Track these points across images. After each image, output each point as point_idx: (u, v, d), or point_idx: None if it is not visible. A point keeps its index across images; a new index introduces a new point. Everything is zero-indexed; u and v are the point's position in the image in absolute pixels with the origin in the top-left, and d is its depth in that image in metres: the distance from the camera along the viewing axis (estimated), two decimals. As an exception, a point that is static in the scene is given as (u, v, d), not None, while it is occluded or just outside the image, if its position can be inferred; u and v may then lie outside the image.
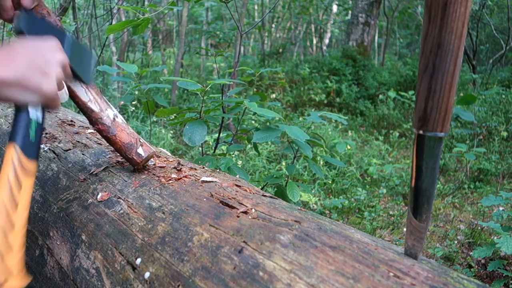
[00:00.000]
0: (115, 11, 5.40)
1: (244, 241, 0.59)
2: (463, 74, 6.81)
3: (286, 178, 1.53)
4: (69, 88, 0.83)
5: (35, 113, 0.65)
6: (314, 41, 11.67)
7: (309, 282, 0.49)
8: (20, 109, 0.64)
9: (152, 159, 0.93)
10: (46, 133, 1.20)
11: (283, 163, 4.02)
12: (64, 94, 0.75)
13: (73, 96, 0.84)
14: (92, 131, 1.22)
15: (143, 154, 0.87)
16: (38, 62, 0.63)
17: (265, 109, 1.31)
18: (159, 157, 0.96)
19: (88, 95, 0.86)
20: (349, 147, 4.24)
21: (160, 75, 7.35)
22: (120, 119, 0.90)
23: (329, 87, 6.95)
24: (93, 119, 0.86)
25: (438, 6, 0.41)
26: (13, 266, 0.55)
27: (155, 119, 5.24)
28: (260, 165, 3.86)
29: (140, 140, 0.90)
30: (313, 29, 11.53)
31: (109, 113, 0.87)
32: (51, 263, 0.82)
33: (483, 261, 2.36)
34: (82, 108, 0.85)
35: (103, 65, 1.61)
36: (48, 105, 0.67)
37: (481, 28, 8.11)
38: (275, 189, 1.58)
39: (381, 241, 0.59)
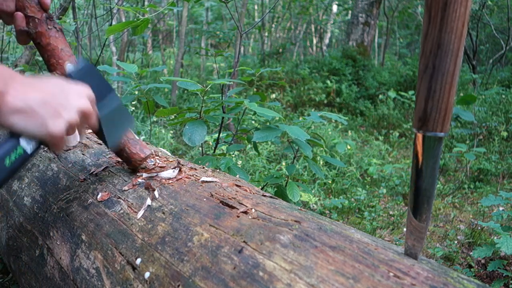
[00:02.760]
0: (115, 11, 5.40)
1: (244, 241, 0.59)
2: (463, 74, 6.81)
3: (286, 178, 1.53)
4: None
5: (26, 144, 0.62)
6: (314, 41, 11.67)
7: (309, 282, 0.49)
8: (12, 135, 0.61)
9: (152, 159, 0.93)
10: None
11: (283, 163, 4.02)
12: (72, 140, 0.72)
13: None
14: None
15: (145, 151, 0.88)
16: (55, 100, 0.61)
17: (265, 108, 1.31)
18: (159, 157, 0.96)
19: None
20: (349, 147, 4.24)
21: (160, 75, 7.35)
22: None
23: (329, 87, 6.95)
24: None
25: (438, 6, 0.41)
26: None
27: (155, 119, 5.24)
28: (260, 165, 3.86)
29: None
30: (313, 29, 11.53)
31: None
32: (51, 263, 0.82)
33: (483, 261, 2.35)
34: None
35: (103, 65, 1.61)
36: (50, 145, 0.64)
37: (481, 28, 8.11)
38: (275, 189, 1.58)
39: (381, 241, 0.59)
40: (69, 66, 0.73)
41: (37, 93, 0.60)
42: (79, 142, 0.82)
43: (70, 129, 0.65)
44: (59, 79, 0.66)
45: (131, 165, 0.88)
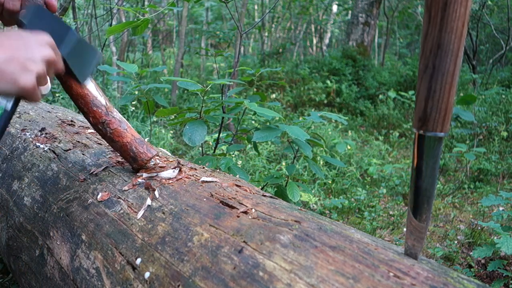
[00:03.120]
0: (115, 11, 5.40)
1: (244, 241, 0.59)
2: (463, 74, 6.81)
3: (286, 178, 1.53)
4: (73, 82, 0.82)
5: (4, 102, 0.65)
6: (314, 41, 11.67)
7: (309, 282, 0.49)
8: None
9: (152, 159, 0.93)
10: (46, 133, 1.20)
11: (283, 163, 4.02)
12: (46, 88, 0.74)
13: (82, 93, 0.84)
14: (92, 131, 1.22)
15: (152, 151, 0.88)
16: (19, 55, 0.63)
17: (265, 108, 1.31)
18: (159, 157, 0.96)
19: (98, 91, 0.86)
20: (349, 147, 4.24)
21: (160, 75, 7.36)
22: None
23: (329, 87, 6.95)
24: (103, 113, 0.85)
25: (438, 6, 0.41)
26: None
27: (155, 119, 5.24)
28: (260, 165, 3.86)
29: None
30: (313, 29, 11.53)
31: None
32: (51, 263, 0.82)
33: (483, 261, 2.35)
34: (89, 102, 0.85)
35: (103, 65, 1.61)
36: (25, 97, 0.66)
37: (481, 28, 8.11)
38: (275, 189, 1.58)
39: (381, 241, 0.59)
40: (20, 14, 0.73)
41: (1, 51, 0.61)
42: (50, 91, 0.83)
43: (40, 80, 0.67)
44: (17, 32, 0.67)
45: (137, 164, 0.88)
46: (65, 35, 0.76)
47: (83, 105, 0.84)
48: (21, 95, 0.65)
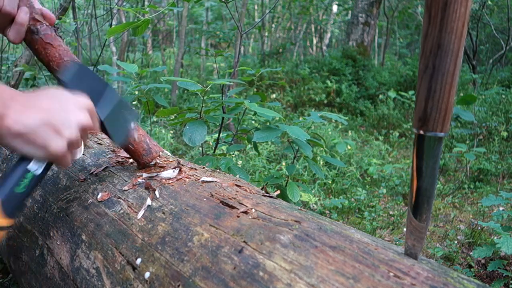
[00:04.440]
0: (115, 11, 5.40)
1: (244, 241, 0.59)
2: (463, 74, 6.81)
3: (286, 178, 1.53)
4: None
5: (36, 165, 0.63)
6: (314, 41, 11.67)
7: (309, 282, 0.49)
8: (23, 159, 0.62)
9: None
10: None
11: (283, 163, 4.02)
12: (78, 152, 0.72)
13: None
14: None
15: (157, 150, 0.89)
16: (54, 119, 0.60)
17: (265, 109, 1.31)
18: (160, 157, 0.96)
19: None
20: (349, 147, 4.24)
21: (160, 75, 7.36)
22: None
23: (329, 87, 6.95)
24: None
25: (438, 6, 0.41)
26: None
27: (155, 119, 5.24)
28: (260, 165, 3.86)
29: None
30: (313, 29, 11.53)
31: None
32: (51, 263, 0.83)
33: (483, 261, 2.36)
34: None
35: (103, 65, 1.61)
36: (55, 162, 0.64)
37: (481, 28, 8.11)
38: (275, 189, 1.57)
39: (381, 241, 0.59)
40: (62, 72, 0.72)
41: (37, 113, 0.59)
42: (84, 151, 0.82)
43: (72, 145, 0.64)
44: (57, 92, 0.65)
45: (149, 158, 0.88)
46: (104, 94, 0.75)
47: None
48: (50, 160, 0.63)
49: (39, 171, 0.63)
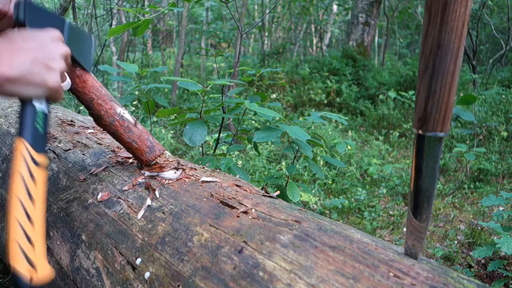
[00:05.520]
0: (115, 11, 5.40)
1: (244, 241, 0.59)
2: (463, 74, 6.81)
3: (286, 178, 1.53)
4: (85, 79, 0.82)
5: (40, 105, 0.65)
6: (314, 41, 11.67)
7: (309, 282, 0.49)
8: (25, 103, 0.64)
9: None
10: (47, 134, 1.20)
11: (283, 163, 4.02)
12: (66, 84, 0.75)
13: (93, 85, 0.84)
14: (92, 131, 1.22)
15: (160, 147, 0.90)
16: (41, 56, 0.63)
17: (265, 109, 1.31)
18: (160, 157, 0.96)
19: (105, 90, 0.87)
20: (349, 147, 4.24)
21: (160, 75, 7.36)
22: None
23: (329, 87, 6.95)
24: (118, 103, 0.86)
25: (438, 6, 0.41)
26: (36, 262, 0.55)
27: (155, 119, 5.24)
28: (260, 165, 3.86)
29: None
30: (313, 29, 11.53)
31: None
32: (51, 263, 0.82)
33: (483, 261, 2.35)
34: (104, 95, 0.85)
35: (103, 64, 1.61)
36: (51, 97, 0.67)
37: (481, 28, 8.11)
38: (275, 189, 1.57)
39: (381, 241, 0.59)
40: (15, 13, 0.72)
41: (25, 55, 0.61)
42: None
43: (62, 76, 0.68)
44: (29, 32, 0.67)
45: (150, 156, 0.88)
46: (63, 26, 0.76)
47: (97, 96, 0.84)
48: (48, 96, 0.66)
49: (45, 109, 0.66)
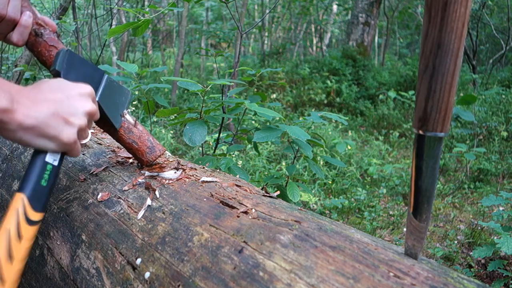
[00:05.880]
0: (115, 11, 5.40)
1: (244, 241, 0.59)
2: (463, 74, 6.82)
3: (286, 178, 1.53)
4: None
5: (52, 157, 0.63)
6: (314, 41, 11.67)
7: (309, 282, 0.49)
8: (37, 154, 0.63)
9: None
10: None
11: (283, 163, 4.02)
12: (87, 140, 0.73)
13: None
14: (92, 131, 1.22)
15: (161, 147, 0.90)
16: (63, 110, 0.62)
17: (265, 109, 1.31)
18: (160, 157, 0.96)
19: None
20: (349, 147, 4.24)
21: (160, 75, 7.36)
22: None
23: (329, 87, 6.95)
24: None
25: (438, 6, 0.41)
26: None
27: (155, 119, 5.24)
28: (260, 165, 3.86)
29: None
30: (313, 29, 11.53)
31: None
32: (51, 263, 0.83)
33: (483, 261, 2.36)
34: None
35: (103, 64, 1.61)
36: (66, 152, 0.65)
37: (481, 28, 8.11)
38: (275, 189, 1.58)
39: (381, 241, 0.59)
40: (54, 63, 0.72)
41: (45, 105, 0.60)
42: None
43: (81, 134, 0.66)
44: (58, 82, 0.66)
45: (151, 157, 0.88)
46: (101, 79, 0.75)
47: None
48: (62, 151, 0.64)
49: (56, 162, 0.64)
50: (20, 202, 0.59)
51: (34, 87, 0.62)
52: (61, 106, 0.62)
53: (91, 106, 0.67)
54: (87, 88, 0.68)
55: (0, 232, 0.57)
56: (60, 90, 0.64)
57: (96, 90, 0.74)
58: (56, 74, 0.69)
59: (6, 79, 0.58)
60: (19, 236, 0.57)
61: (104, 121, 0.80)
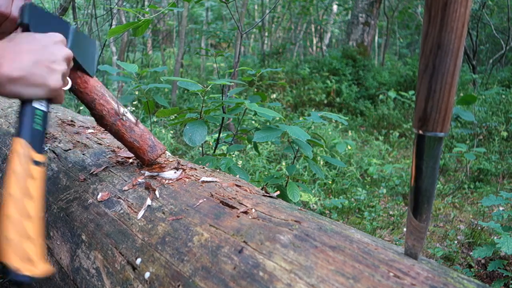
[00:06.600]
0: (115, 11, 5.40)
1: (244, 241, 0.59)
2: (463, 74, 6.81)
3: (286, 178, 1.53)
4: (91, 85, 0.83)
5: (40, 106, 0.66)
6: (314, 41, 11.67)
7: (309, 282, 0.49)
8: (25, 103, 0.65)
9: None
10: (46, 133, 1.20)
11: (283, 163, 4.02)
12: (67, 87, 0.76)
13: (95, 84, 0.84)
14: (92, 131, 1.22)
15: (162, 146, 0.90)
16: (44, 58, 0.64)
17: (265, 109, 1.31)
18: (161, 156, 0.96)
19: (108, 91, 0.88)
20: (349, 147, 4.24)
21: (160, 75, 7.36)
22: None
23: (329, 87, 6.95)
24: (118, 104, 0.87)
25: (438, 6, 0.41)
26: (33, 255, 0.56)
27: (155, 119, 5.24)
28: (260, 165, 3.86)
29: None
30: (313, 29, 11.53)
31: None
32: (51, 263, 0.82)
33: (483, 261, 2.36)
34: (103, 102, 0.85)
35: (103, 65, 1.61)
36: (53, 98, 0.68)
37: (481, 28, 8.11)
38: (275, 189, 1.57)
39: (381, 241, 0.59)
40: (21, 16, 0.73)
41: (28, 56, 0.62)
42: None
43: (64, 79, 0.69)
44: (32, 35, 0.68)
45: (152, 156, 0.88)
46: (67, 30, 0.77)
47: (99, 97, 0.84)
48: (49, 97, 0.67)
49: (45, 107, 0.67)
50: (21, 147, 0.62)
51: (9, 41, 0.64)
52: (41, 54, 0.64)
53: (68, 52, 0.70)
54: (59, 36, 0.70)
55: (11, 175, 0.59)
56: (36, 41, 0.66)
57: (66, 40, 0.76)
58: (25, 28, 0.70)
59: None
60: (31, 175, 0.60)
61: (78, 69, 0.82)
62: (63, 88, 0.69)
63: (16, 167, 0.60)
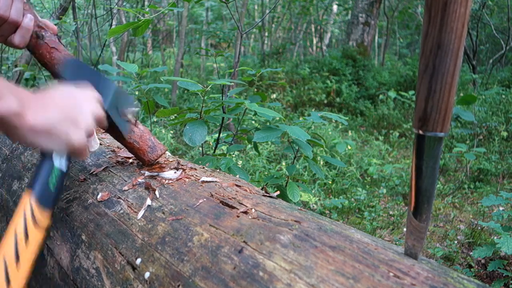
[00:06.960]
0: (115, 11, 5.40)
1: (244, 241, 0.59)
2: (463, 74, 6.81)
3: (286, 178, 1.53)
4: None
5: (59, 161, 0.65)
6: (314, 41, 11.68)
7: (309, 282, 0.49)
8: (45, 155, 0.64)
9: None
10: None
11: (283, 163, 4.02)
12: (94, 144, 0.74)
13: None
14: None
15: (162, 146, 0.90)
16: (71, 112, 0.64)
17: (265, 109, 1.31)
18: (161, 156, 0.96)
19: None
20: (349, 147, 4.24)
21: (160, 75, 7.36)
22: None
23: (329, 87, 6.95)
24: None
25: (438, 6, 0.41)
26: None
27: (155, 119, 5.24)
28: (260, 165, 3.86)
29: None
30: (313, 29, 11.54)
31: None
32: (51, 263, 0.83)
33: (483, 261, 2.36)
34: None
35: (103, 64, 1.61)
36: (75, 155, 0.67)
37: (481, 28, 8.11)
38: (275, 189, 1.58)
39: (381, 241, 0.59)
40: (61, 69, 0.74)
41: (54, 109, 0.62)
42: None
43: (89, 136, 0.68)
44: (66, 88, 0.68)
45: (153, 155, 0.88)
46: (106, 87, 0.77)
47: None
48: (71, 153, 0.66)
49: (64, 166, 0.66)
50: (28, 200, 0.61)
51: (43, 93, 0.64)
52: (69, 109, 0.64)
53: (97, 109, 0.69)
54: (92, 92, 0.70)
55: (9, 232, 0.58)
56: (68, 95, 0.66)
57: (105, 99, 0.75)
58: (62, 81, 0.71)
59: (6, 79, 0.59)
60: (27, 237, 0.58)
61: (113, 129, 0.81)
62: (87, 147, 0.68)
63: (17, 226, 0.58)
